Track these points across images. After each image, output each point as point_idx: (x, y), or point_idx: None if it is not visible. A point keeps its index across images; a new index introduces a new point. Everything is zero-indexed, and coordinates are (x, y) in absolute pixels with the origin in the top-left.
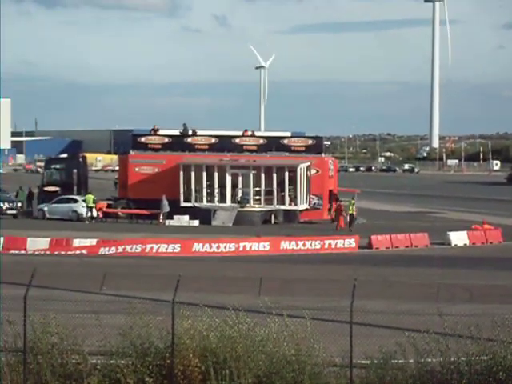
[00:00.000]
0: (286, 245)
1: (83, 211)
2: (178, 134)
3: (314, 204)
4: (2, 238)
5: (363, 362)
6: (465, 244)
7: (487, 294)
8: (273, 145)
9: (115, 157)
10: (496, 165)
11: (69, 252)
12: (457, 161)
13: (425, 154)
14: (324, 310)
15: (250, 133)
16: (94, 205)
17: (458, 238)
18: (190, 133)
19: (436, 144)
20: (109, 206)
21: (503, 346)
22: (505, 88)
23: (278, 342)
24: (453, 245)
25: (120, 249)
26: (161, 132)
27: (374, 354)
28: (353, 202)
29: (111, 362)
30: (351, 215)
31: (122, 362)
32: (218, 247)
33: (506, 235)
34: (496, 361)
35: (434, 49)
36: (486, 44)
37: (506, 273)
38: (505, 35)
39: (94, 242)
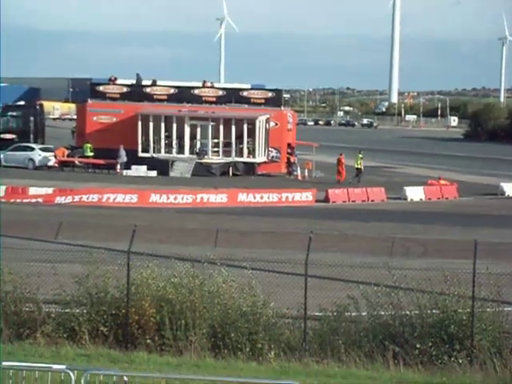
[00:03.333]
0: (244, 197)
1: (39, 159)
2: (137, 84)
3: (273, 157)
4: None
5: (317, 314)
6: (421, 199)
7: (441, 248)
8: (232, 97)
9: (73, 105)
10: (454, 121)
11: (24, 200)
12: (415, 116)
13: (384, 109)
14: (280, 263)
15: (209, 84)
16: (91, 154)
17: (414, 193)
18: (150, 83)
19: (395, 99)
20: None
21: (455, 299)
22: (463, 44)
23: (232, 293)
24: (409, 200)
25: (76, 198)
26: (119, 81)
27: (328, 307)
28: (360, 156)
29: (66, 310)
30: (358, 169)
31: (77, 310)
32: (175, 198)
33: (462, 191)
34: (448, 314)
35: (395, 2)
36: None
37: (460, 228)
38: None
39: (50, 190)
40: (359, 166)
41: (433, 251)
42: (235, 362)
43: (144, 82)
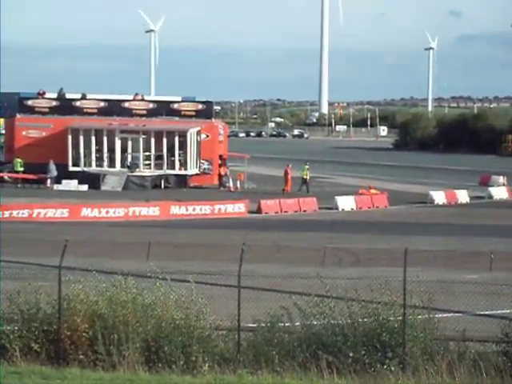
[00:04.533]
0: (176, 210)
1: None
2: (66, 97)
3: (204, 169)
4: None
5: (251, 325)
6: (352, 208)
7: (373, 257)
8: (163, 109)
9: (1, 120)
10: (383, 130)
11: None
12: (345, 127)
13: (314, 120)
14: (213, 275)
15: (139, 97)
16: (21, 169)
17: (346, 203)
18: (79, 96)
19: (325, 110)
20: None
21: (386, 308)
22: (390, 54)
23: (167, 307)
24: (340, 209)
25: (6, 214)
26: (48, 95)
27: (261, 318)
28: (306, 167)
29: None
30: (304, 179)
31: (8, 327)
32: (107, 212)
33: (392, 200)
34: (379, 322)
35: (323, 14)
36: (371, 10)
37: (391, 236)
38: (386, 2)
39: None
40: (305, 177)
41: (364, 260)
42: (169, 375)
43: (73, 96)
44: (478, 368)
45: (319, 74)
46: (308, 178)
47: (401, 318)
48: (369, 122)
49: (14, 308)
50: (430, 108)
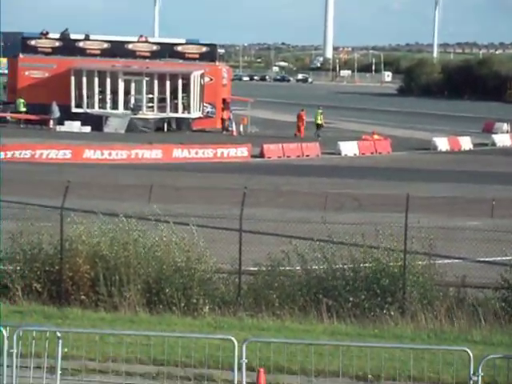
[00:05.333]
0: (179, 153)
1: None
2: (70, 38)
3: (207, 112)
4: None
5: (252, 268)
6: (355, 154)
7: (375, 202)
8: (167, 51)
9: (4, 60)
10: (388, 76)
11: None
12: (349, 72)
13: (318, 65)
14: (215, 218)
15: (143, 39)
16: (24, 109)
17: (348, 148)
18: (82, 37)
19: (330, 54)
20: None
21: (386, 253)
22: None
23: (168, 249)
24: (343, 155)
25: (9, 154)
26: (51, 36)
27: (262, 262)
28: (319, 111)
29: None
30: (319, 125)
31: (10, 267)
32: (109, 154)
33: (395, 146)
34: (380, 267)
35: None
36: None
37: (394, 182)
38: None
39: None
40: (319, 121)
41: (366, 205)
42: (170, 316)
43: (76, 36)
44: (477, 314)
45: (324, 17)
46: (322, 122)
47: (401, 263)
48: (373, 68)
49: (17, 248)
50: (435, 54)
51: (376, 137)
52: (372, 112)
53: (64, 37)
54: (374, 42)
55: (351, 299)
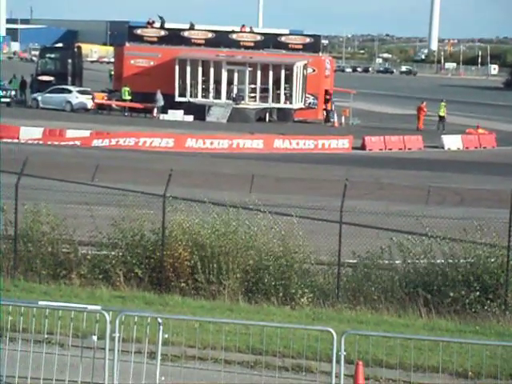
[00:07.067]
0: (280, 143)
1: (76, 102)
2: (174, 27)
3: (310, 103)
4: None
5: (351, 261)
6: (458, 148)
7: (478, 197)
8: (270, 42)
9: (111, 48)
10: (494, 69)
11: (62, 143)
12: (455, 64)
13: (423, 57)
14: (315, 209)
15: (247, 29)
16: (129, 97)
17: (452, 142)
18: (188, 27)
19: (435, 46)
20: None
21: (488, 249)
22: None
23: (267, 239)
24: (446, 148)
25: (113, 141)
26: (156, 25)
27: (361, 254)
28: (443, 104)
29: (101, 252)
30: (442, 117)
31: (113, 253)
32: (211, 143)
33: (500, 140)
34: (481, 263)
35: None
36: None
37: (498, 177)
38: None
39: (87, 133)
40: (443, 114)
41: (469, 200)
42: (268, 306)
43: (181, 26)
44: None
45: (430, 8)
46: (445, 115)
47: (504, 260)
48: (479, 60)
49: (119, 234)
50: None
51: (480, 131)
52: (477, 105)
53: (161, 24)
54: (480, 34)
55: (451, 294)
